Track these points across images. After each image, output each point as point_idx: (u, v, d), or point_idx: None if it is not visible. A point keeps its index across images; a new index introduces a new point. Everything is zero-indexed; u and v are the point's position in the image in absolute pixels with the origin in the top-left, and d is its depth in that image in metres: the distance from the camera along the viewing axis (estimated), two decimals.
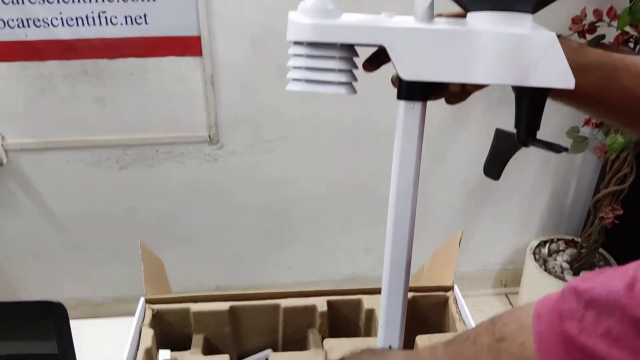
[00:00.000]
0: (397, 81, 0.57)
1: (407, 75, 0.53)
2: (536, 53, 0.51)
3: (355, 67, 0.57)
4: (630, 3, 1.52)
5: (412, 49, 0.52)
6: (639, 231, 1.95)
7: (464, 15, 0.54)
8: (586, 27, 1.62)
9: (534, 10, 0.52)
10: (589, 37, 1.64)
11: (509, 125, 0.59)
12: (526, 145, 0.56)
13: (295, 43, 0.55)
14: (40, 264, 2.03)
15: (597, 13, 1.60)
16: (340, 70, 0.55)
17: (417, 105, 0.56)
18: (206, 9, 1.62)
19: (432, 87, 0.56)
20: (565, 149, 0.53)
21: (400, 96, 0.57)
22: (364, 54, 0.58)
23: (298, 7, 0.55)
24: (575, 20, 1.64)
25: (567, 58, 0.51)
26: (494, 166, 0.63)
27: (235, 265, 2.13)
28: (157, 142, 1.82)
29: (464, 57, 0.52)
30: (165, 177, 1.89)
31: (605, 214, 1.82)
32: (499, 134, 0.63)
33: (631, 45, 1.59)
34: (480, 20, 0.52)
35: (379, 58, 0.59)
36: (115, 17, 1.62)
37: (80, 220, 1.95)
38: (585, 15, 1.63)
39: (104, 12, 1.60)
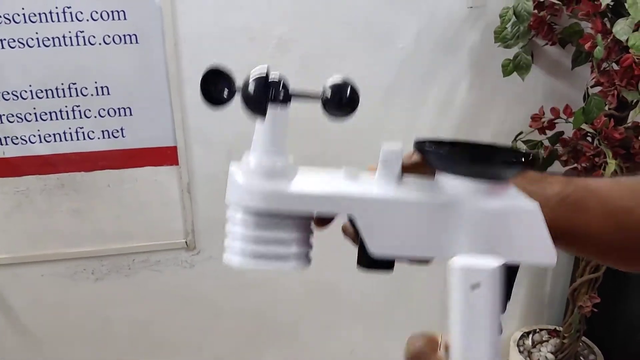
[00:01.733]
0: (358, 247, 0.49)
1: (378, 251, 0.47)
2: (516, 227, 0.46)
3: (311, 232, 0.49)
4: (584, 101, 1.62)
5: (385, 222, 0.46)
6: (620, 319, 1.96)
7: (426, 167, 0.50)
8: (545, 124, 1.71)
9: (512, 178, 0.48)
10: (549, 133, 1.72)
11: None
12: None
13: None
14: None
15: (554, 111, 1.69)
16: (294, 241, 0.47)
17: None
18: (182, 121, 1.67)
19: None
20: None
21: (361, 263, 0.49)
22: None
23: (241, 161, 0.47)
24: (535, 118, 1.73)
25: (528, 191, 0.48)
26: None
27: None
28: (134, 252, 1.82)
29: (440, 232, 0.46)
30: (142, 286, 1.87)
31: (583, 302, 1.83)
32: None
33: (589, 139, 1.67)
34: (453, 186, 0.47)
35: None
36: (93, 132, 1.66)
37: (55, 334, 1.89)
38: (544, 113, 1.72)
39: (81, 128, 1.65)
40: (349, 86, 0.46)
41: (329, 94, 0.46)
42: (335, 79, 0.47)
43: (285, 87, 0.46)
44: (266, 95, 0.45)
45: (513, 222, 0.46)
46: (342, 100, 0.46)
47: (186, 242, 1.83)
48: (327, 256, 1.94)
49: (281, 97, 0.45)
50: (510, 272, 0.47)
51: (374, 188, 0.46)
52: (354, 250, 0.50)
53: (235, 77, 0.47)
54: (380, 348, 2.09)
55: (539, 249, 0.46)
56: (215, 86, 0.47)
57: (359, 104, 0.47)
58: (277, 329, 2.05)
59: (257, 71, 0.45)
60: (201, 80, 0.46)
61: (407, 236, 0.46)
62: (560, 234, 0.54)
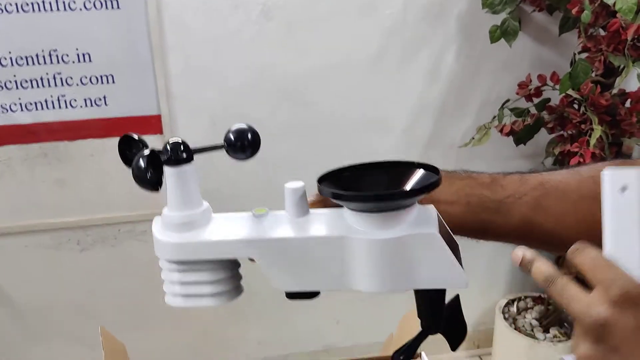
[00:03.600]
0: None
1: (281, 287, 0.50)
2: (415, 255, 0.46)
3: (238, 266, 0.53)
4: (570, 67, 1.61)
5: (287, 261, 0.49)
6: None
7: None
8: (532, 91, 1.70)
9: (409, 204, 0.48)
10: (535, 100, 1.72)
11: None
12: (433, 333, 0.54)
13: None
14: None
15: (541, 78, 1.69)
16: (218, 281, 0.51)
17: None
18: (165, 90, 1.65)
19: None
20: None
21: (286, 294, 0.52)
22: None
23: (162, 214, 0.51)
24: (522, 86, 1.72)
25: (478, 196, 0.48)
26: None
27: (202, 344, 2.07)
28: (119, 221, 1.80)
29: (343, 265, 0.48)
30: (128, 256, 1.86)
31: (567, 269, 1.85)
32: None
33: (575, 106, 1.67)
34: (349, 219, 0.48)
35: None
36: (75, 100, 1.63)
37: (40, 307, 1.88)
38: (531, 81, 1.71)
39: (63, 96, 1.62)
40: (249, 131, 0.51)
41: (231, 141, 0.51)
42: (236, 125, 0.51)
43: (183, 149, 0.49)
44: (156, 173, 0.47)
45: (410, 251, 0.46)
46: (244, 144, 0.51)
47: None
48: None
49: (180, 159, 0.49)
50: (435, 298, 0.50)
51: (274, 229, 0.49)
52: None
53: (147, 144, 0.49)
54: (366, 318, 2.10)
55: (446, 273, 0.47)
56: (130, 151, 0.50)
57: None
58: (262, 300, 2.05)
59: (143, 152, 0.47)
60: (118, 144, 0.50)
61: (307, 271, 0.49)
62: (520, 234, 0.55)
